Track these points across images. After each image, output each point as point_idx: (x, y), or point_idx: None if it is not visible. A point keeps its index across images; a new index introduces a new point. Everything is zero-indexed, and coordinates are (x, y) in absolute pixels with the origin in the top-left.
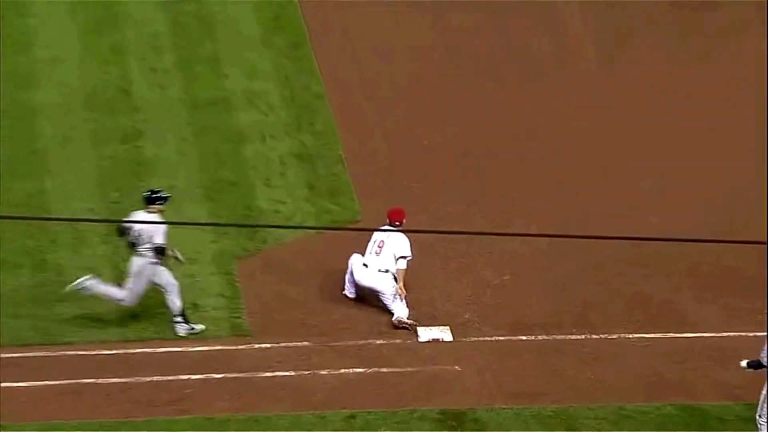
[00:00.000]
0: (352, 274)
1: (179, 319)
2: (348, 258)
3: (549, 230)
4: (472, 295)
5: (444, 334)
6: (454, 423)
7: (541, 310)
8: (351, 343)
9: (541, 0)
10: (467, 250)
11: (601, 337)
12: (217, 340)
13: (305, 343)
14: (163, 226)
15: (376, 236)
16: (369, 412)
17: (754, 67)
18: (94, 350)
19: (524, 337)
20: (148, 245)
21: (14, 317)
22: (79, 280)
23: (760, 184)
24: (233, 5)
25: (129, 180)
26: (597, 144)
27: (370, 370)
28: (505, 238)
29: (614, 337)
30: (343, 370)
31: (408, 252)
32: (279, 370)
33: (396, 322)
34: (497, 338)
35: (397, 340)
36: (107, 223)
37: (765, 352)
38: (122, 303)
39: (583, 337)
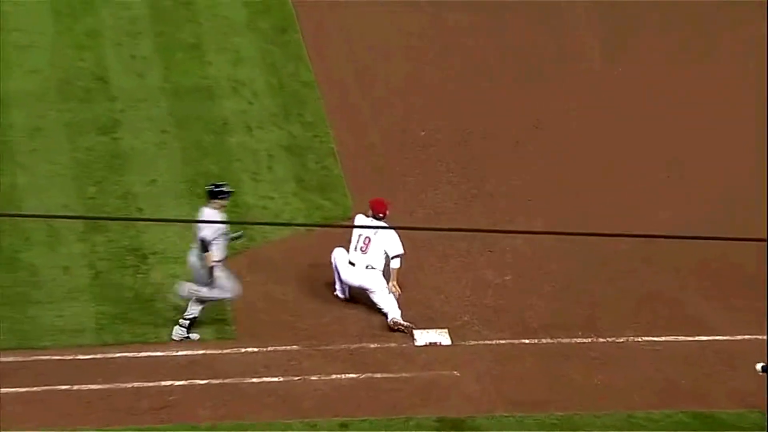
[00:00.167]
0: (338, 272)
1: (185, 324)
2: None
3: (553, 227)
4: (472, 295)
5: (442, 337)
6: None
7: (544, 312)
8: (343, 346)
9: (541, 0)
10: (467, 248)
11: (608, 341)
12: (201, 344)
13: (294, 347)
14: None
15: (361, 231)
16: (362, 421)
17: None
18: (70, 355)
19: (527, 341)
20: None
21: None
22: (179, 288)
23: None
24: None
25: (106, 174)
26: (602, 140)
27: (363, 375)
28: (506, 236)
29: (622, 340)
30: (334, 376)
31: (401, 248)
32: (266, 376)
33: (391, 323)
34: (498, 342)
35: (392, 344)
36: (84, 220)
37: None
38: (227, 297)
39: (589, 340)
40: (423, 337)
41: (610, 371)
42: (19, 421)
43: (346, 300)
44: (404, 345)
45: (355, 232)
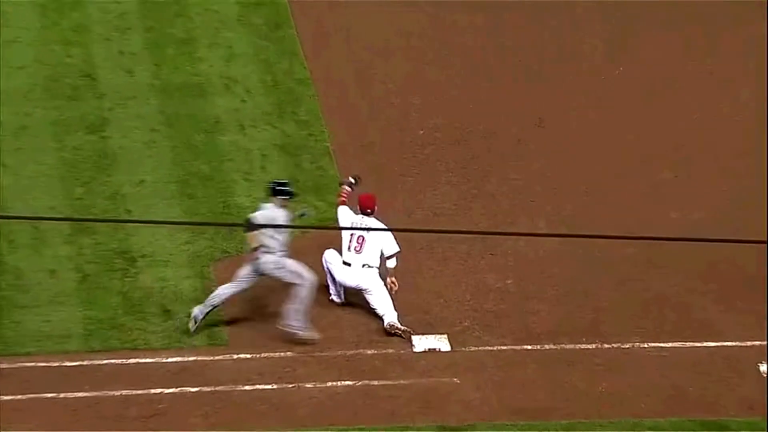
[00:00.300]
0: (332, 274)
1: (203, 310)
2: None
3: (556, 229)
4: (472, 300)
5: (441, 343)
6: None
7: (547, 317)
8: (339, 353)
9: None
10: (467, 250)
11: (613, 347)
12: (192, 350)
13: (288, 353)
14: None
15: (353, 231)
16: (359, 429)
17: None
18: (56, 362)
19: (529, 347)
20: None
21: None
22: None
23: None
24: None
25: (94, 174)
26: (606, 138)
27: (360, 382)
28: (508, 238)
29: (628, 346)
30: (330, 383)
31: (396, 246)
32: (260, 383)
33: (388, 327)
34: (499, 348)
35: (390, 350)
36: (71, 222)
37: None
38: (305, 283)
39: (594, 346)
40: (422, 343)
41: (615, 378)
42: (4, 430)
43: (342, 304)
44: (402, 351)
45: (346, 232)
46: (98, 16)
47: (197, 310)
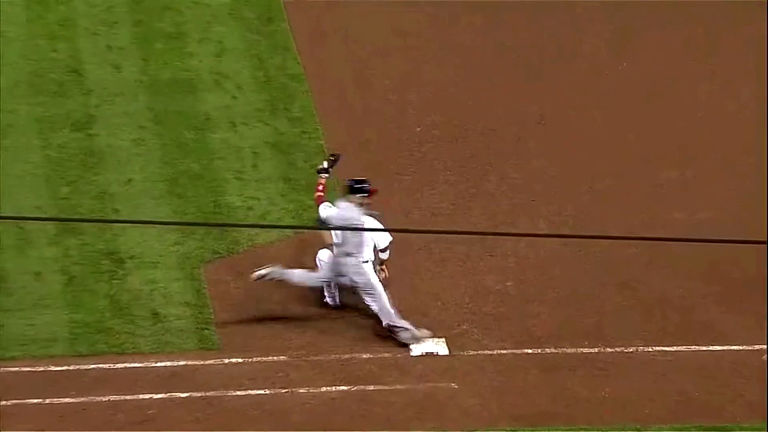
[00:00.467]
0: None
1: (274, 275)
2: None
3: (557, 230)
4: (471, 302)
5: (439, 347)
6: None
7: (548, 320)
8: (333, 357)
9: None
10: (465, 251)
11: (616, 351)
12: (182, 354)
13: (281, 357)
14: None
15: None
16: None
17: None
18: (41, 366)
19: (530, 351)
20: None
21: None
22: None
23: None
24: None
25: (80, 173)
26: (607, 137)
27: (355, 387)
28: (508, 239)
29: (631, 350)
30: (324, 388)
31: (389, 236)
32: (252, 389)
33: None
34: (499, 352)
35: (386, 354)
36: (57, 222)
37: None
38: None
39: (596, 350)
40: (419, 347)
41: (618, 383)
42: None
43: (336, 307)
44: (399, 355)
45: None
46: (85, 9)
47: (276, 271)
